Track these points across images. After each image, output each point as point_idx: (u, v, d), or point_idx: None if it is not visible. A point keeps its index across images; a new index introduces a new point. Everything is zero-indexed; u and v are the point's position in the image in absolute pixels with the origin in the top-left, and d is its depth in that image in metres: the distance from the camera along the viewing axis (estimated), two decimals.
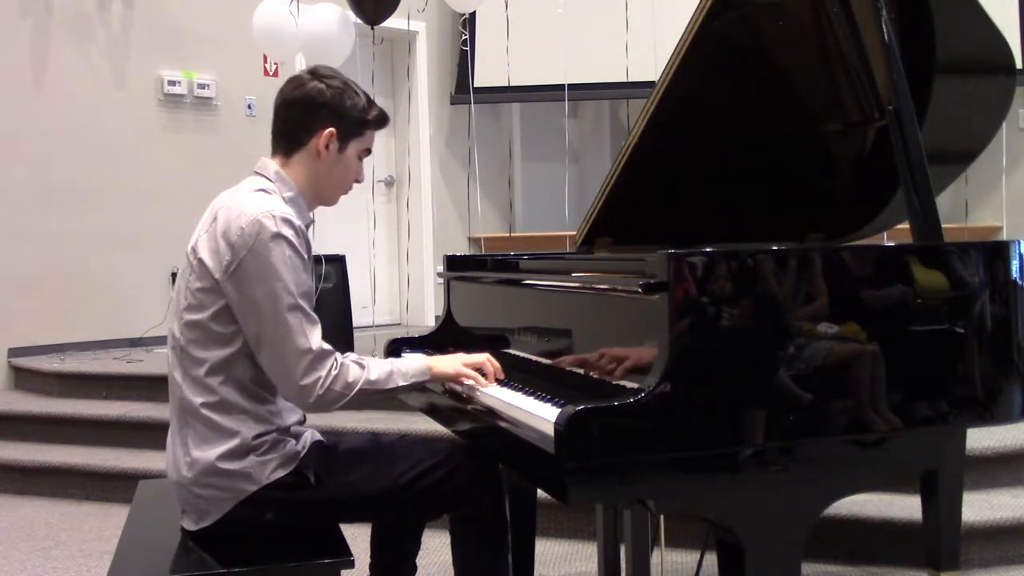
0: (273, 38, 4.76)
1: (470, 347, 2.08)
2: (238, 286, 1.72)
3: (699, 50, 2.00)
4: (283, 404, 1.85)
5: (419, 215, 6.48)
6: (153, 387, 4.29)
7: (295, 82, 1.88)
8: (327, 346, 1.74)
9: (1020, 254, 1.74)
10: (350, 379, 1.74)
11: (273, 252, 1.71)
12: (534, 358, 1.98)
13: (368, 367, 1.78)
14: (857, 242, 2.37)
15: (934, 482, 1.97)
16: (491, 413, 1.76)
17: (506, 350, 2.11)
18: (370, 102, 1.90)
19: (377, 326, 5.68)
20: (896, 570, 2.72)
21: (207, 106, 5.62)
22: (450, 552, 1.96)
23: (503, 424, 1.69)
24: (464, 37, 5.93)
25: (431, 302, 6.48)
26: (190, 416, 1.77)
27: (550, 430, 1.42)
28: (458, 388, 1.92)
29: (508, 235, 6.66)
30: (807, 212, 2.39)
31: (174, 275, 5.27)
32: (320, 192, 1.91)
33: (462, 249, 6.46)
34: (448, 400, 1.98)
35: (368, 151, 1.94)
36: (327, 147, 1.85)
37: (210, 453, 1.75)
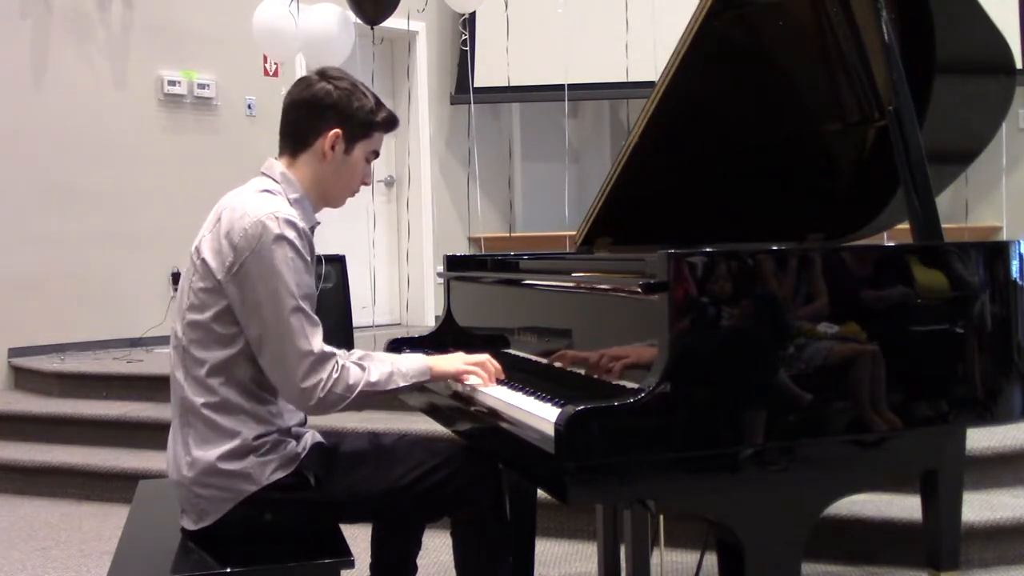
0: (273, 38, 4.76)
1: (470, 347, 2.08)
2: (240, 287, 1.72)
3: (699, 50, 2.00)
4: (284, 405, 1.84)
5: (419, 215, 6.48)
6: (153, 387, 4.29)
7: (303, 83, 1.88)
8: (329, 348, 1.74)
9: (1020, 254, 1.74)
10: (351, 381, 1.73)
11: (276, 254, 1.71)
12: (534, 358, 1.98)
13: (368, 369, 1.77)
14: (857, 242, 2.37)
15: (934, 482, 1.97)
16: (491, 413, 1.76)
17: (506, 350, 2.11)
18: (379, 104, 1.90)
19: (377, 326, 5.68)
20: (896, 570, 2.72)
21: (207, 106, 5.62)
22: (450, 552, 1.96)
23: (503, 424, 1.69)
24: (464, 37, 5.93)
25: (431, 302, 6.48)
26: (191, 416, 1.77)
27: (550, 430, 1.42)
28: (459, 388, 1.92)
29: (508, 235, 6.67)
30: (807, 212, 2.39)
31: (174, 275, 5.28)
32: (326, 193, 1.91)
33: (462, 249, 6.46)
34: (448, 400, 1.98)
35: (376, 153, 1.93)
36: (333, 148, 1.85)
37: (211, 453, 1.75)
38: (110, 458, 3.88)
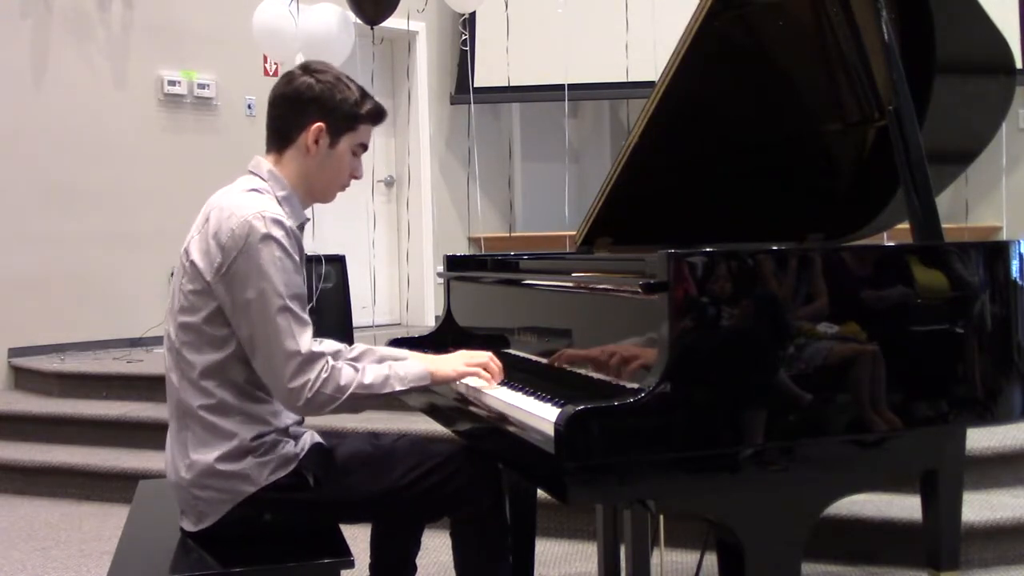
0: (273, 38, 4.76)
1: (470, 347, 2.08)
2: (229, 288, 1.71)
3: (699, 50, 2.00)
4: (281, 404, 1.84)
5: (419, 215, 6.48)
6: (153, 387, 4.29)
7: (286, 78, 1.86)
8: (318, 348, 1.72)
9: (1020, 254, 1.74)
10: (342, 382, 1.71)
11: (262, 253, 1.69)
12: (534, 358, 1.98)
13: (363, 370, 1.75)
14: (857, 242, 2.37)
15: (934, 482, 1.97)
16: (491, 413, 1.76)
17: (506, 350, 2.11)
18: (364, 96, 1.87)
19: (377, 326, 5.68)
20: (896, 570, 2.72)
21: (207, 106, 5.62)
22: (450, 552, 1.96)
23: (503, 424, 1.69)
24: (464, 37, 5.94)
25: (431, 302, 6.48)
26: (188, 418, 1.77)
27: (550, 430, 1.42)
28: (460, 388, 1.91)
29: (508, 235, 6.66)
30: (807, 212, 2.39)
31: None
32: (313, 189, 1.89)
33: (462, 249, 6.46)
34: (448, 400, 1.98)
35: (364, 147, 1.91)
36: (316, 142, 1.83)
37: (208, 455, 1.74)
38: (110, 458, 3.88)
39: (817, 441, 1.56)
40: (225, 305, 1.72)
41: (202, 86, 5.57)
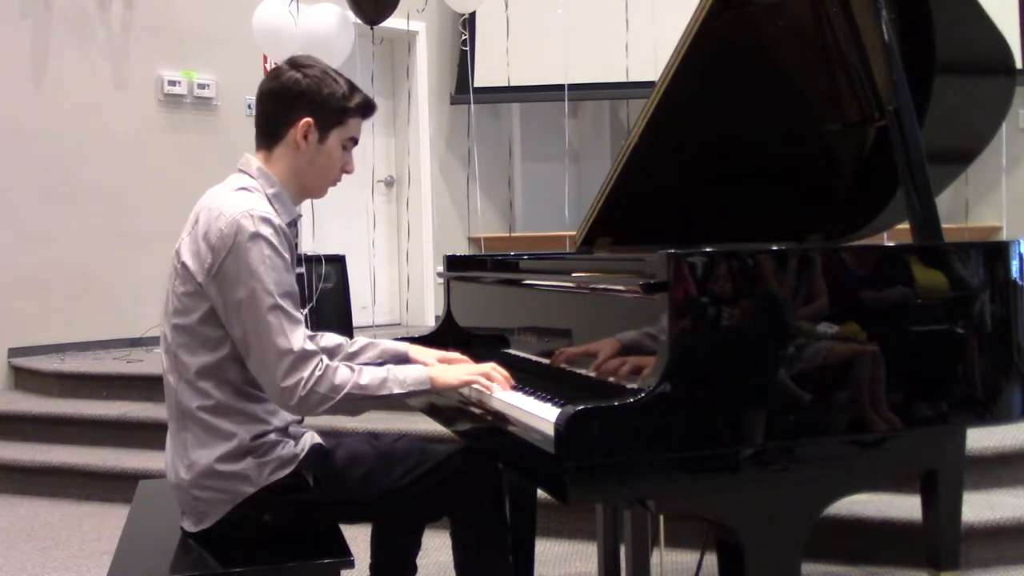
0: (273, 38, 4.76)
1: (470, 347, 2.08)
2: (220, 289, 1.70)
3: (699, 50, 2.00)
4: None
5: (419, 215, 6.48)
6: (153, 387, 4.28)
7: (273, 73, 1.85)
8: (311, 346, 1.71)
9: (1020, 254, 1.74)
10: (336, 382, 1.70)
11: (251, 253, 1.68)
12: (534, 358, 1.98)
13: (360, 371, 1.74)
14: (857, 242, 2.37)
15: (934, 482, 1.97)
16: (491, 413, 1.76)
17: (506, 350, 2.11)
18: (352, 89, 1.85)
19: (377, 326, 5.68)
20: (896, 570, 2.72)
21: (207, 106, 5.62)
22: (450, 552, 1.96)
23: (503, 424, 1.69)
24: (464, 37, 5.93)
25: (431, 302, 6.48)
26: (187, 419, 1.77)
27: (550, 430, 1.42)
28: (464, 392, 1.90)
29: (508, 235, 6.66)
30: (807, 212, 2.39)
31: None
32: (303, 184, 1.87)
33: (462, 249, 6.46)
34: (449, 400, 1.98)
35: (354, 140, 1.89)
36: (305, 137, 1.82)
37: (208, 455, 1.74)
38: (110, 458, 3.88)
39: (817, 441, 1.56)
40: (217, 306, 1.72)
41: (202, 86, 5.57)
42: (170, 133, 5.49)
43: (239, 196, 1.77)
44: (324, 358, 1.72)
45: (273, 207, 1.79)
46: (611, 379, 1.65)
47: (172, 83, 5.46)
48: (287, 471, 1.78)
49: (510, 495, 2.14)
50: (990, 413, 1.70)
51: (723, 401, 1.48)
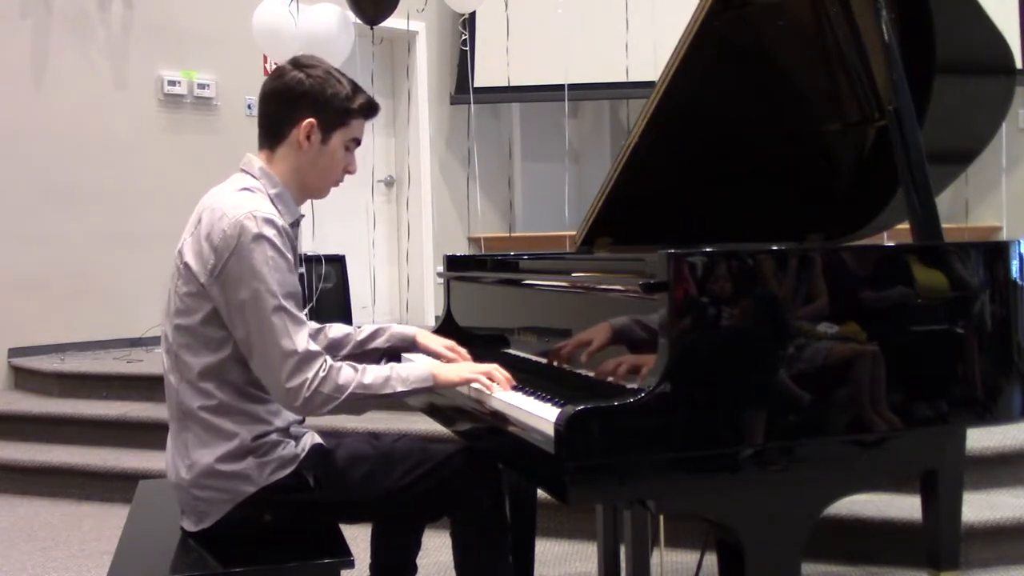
0: (273, 38, 4.76)
1: (470, 347, 2.08)
2: (223, 290, 1.70)
3: (699, 50, 2.00)
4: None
5: (419, 215, 6.48)
6: (153, 387, 4.28)
7: (276, 73, 1.85)
8: (315, 347, 1.71)
9: (1020, 254, 1.74)
10: (340, 382, 1.70)
11: (255, 253, 1.68)
12: (534, 358, 1.98)
13: (363, 370, 1.74)
14: (857, 242, 2.37)
15: (934, 482, 1.97)
16: (491, 413, 1.76)
17: (506, 350, 2.11)
18: (355, 90, 1.85)
19: None
20: (896, 570, 2.72)
21: (207, 106, 5.62)
22: (450, 552, 1.96)
23: (503, 424, 1.69)
24: (464, 37, 5.93)
25: (431, 302, 6.48)
26: (189, 419, 1.77)
27: (550, 430, 1.42)
28: (463, 390, 1.90)
29: (508, 235, 6.66)
30: (807, 212, 2.39)
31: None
32: (306, 185, 1.87)
33: (462, 249, 6.46)
34: (449, 400, 1.98)
35: (357, 141, 1.89)
36: (308, 138, 1.82)
37: (209, 455, 1.74)
38: (110, 458, 3.88)
39: (817, 441, 1.56)
40: (220, 307, 1.72)
41: (202, 86, 5.57)
42: (170, 133, 5.49)
43: (242, 197, 1.77)
44: (328, 358, 1.72)
45: (276, 207, 1.79)
46: (611, 379, 1.65)
47: (172, 83, 5.46)
48: (288, 471, 1.78)
49: (510, 495, 2.14)
50: (990, 413, 1.70)
51: (723, 401, 1.48)
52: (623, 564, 2.17)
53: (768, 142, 2.28)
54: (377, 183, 6.24)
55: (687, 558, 2.75)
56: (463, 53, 6.07)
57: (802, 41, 2.20)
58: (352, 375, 1.73)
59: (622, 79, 5.91)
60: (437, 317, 2.56)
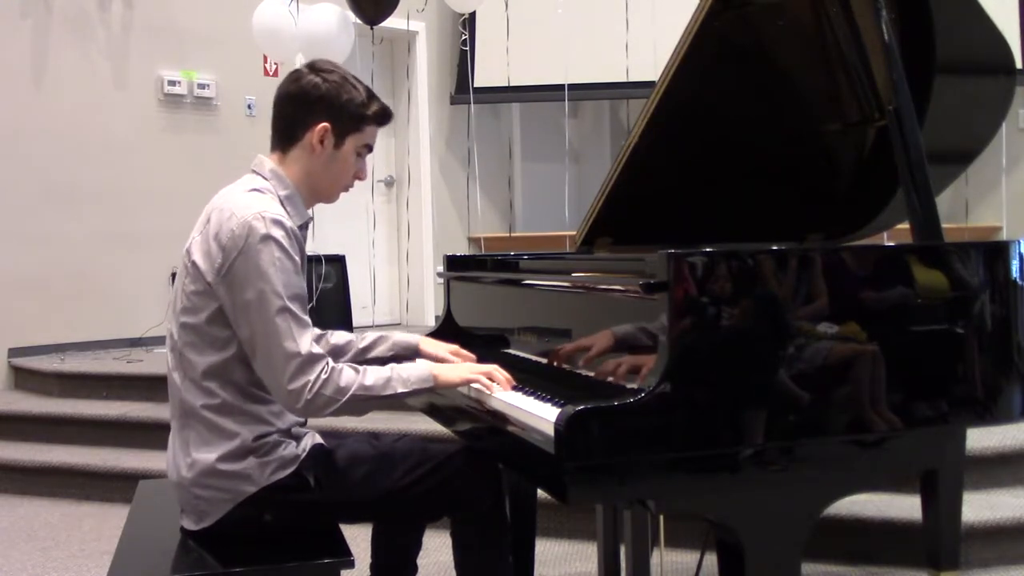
0: (273, 38, 4.77)
1: (470, 347, 2.08)
2: (230, 289, 1.71)
3: (699, 50, 2.00)
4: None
5: (419, 215, 6.48)
6: (153, 387, 4.29)
7: (292, 76, 1.86)
8: (318, 350, 1.71)
9: (1020, 254, 1.74)
10: (342, 384, 1.70)
11: (262, 254, 1.69)
12: (534, 358, 1.98)
13: (364, 372, 1.75)
14: (857, 242, 2.37)
15: (934, 482, 1.97)
16: (491, 413, 1.76)
17: (506, 350, 2.11)
18: (370, 97, 1.86)
19: (377, 326, 5.68)
20: (896, 570, 2.72)
21: (207, 106, 5.62)
22: (450, 552, 1.96)
23: (503, 424, 1.69)
24: (464, 37, 5.94)
25: (431, 302, 6.48)
26: (191, 418, 1.77)
27: (550, 430, 1.42)
28: (464, 391, 1.90)
29: (508, 235, 6.67)
30: (807, 212, 2.39)
31: (174, 275, 5.27)
32: (317, 188, 1.88)
33: (462, 249, 6.46)
34: (449, 400, 1.98)
35: (369, 148, 1.90)
36: (322, 142, 1.83)
37: (210, 454, 1.74)
38: (110, 458, 3.88)
39: (817, 441, 1.56)
40: (226, 306, 1.72)
41: (202, 86, 5.57)
42: (170, 133, 5.49)
43: (251, 197, 1.77)
44: (330, 360, 1.72)
45: (285, 209, 1.79)
46: (611, 379, 1.65)
47: (172, 83, 5.46)
48: (288, 471, 1.78)
49: (510, 495, 2.14)
50: (990, 413, 1.70)
51: (723, 401, 1.48)
52: (623, 564, 2.17)
53: (768, 142, 2.28)
54: (377, 183, 6.24)
55: (687, 558, 2.75)
56: (463, 53, 6.07)
57: (802, 41, 2.20)
58: (353, 377, 1.73)
59: (622, 79, 5.91)
60: (437, 317, 2.56)
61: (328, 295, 5.05)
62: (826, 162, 2.40)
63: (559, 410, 1.45)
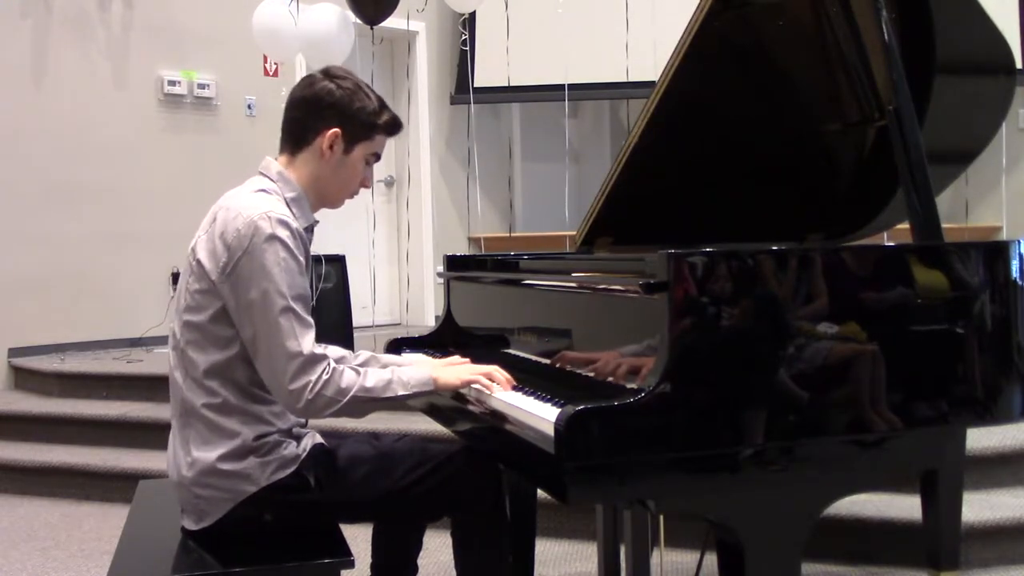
0: (273, 38, 4.76)
1: (470, 347, 2.08)
2: (234, 288, 1.71)
3: (699, 50, 2.00)
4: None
5: (419, 215, 6.48)
6: (153, 387, 4.29)
7: (306, 81, 1.87)
8: (320, 351, 1.72)
9: (1020, 254, 1.74)
10: (343, 385, 1.71)
11: (267, 254, 1.69)
12: (534, 358, 1.98)
13: (365, 374, 1.75)
14: (857, 242, 2.37)
15: (934, 482, 1.97)
16: (492, 413, 1.76)
17: (506, 350, 2.11)
18: (382, 106, 1.88)
19: (377, 326, 5.68)
20: (896, 570, 2.72)
21: (207, 106, 5.62)
22: (450, 552, 1.96)
23: (503, 424, 1.69)
24: (464, 37, 5.93)
25: (431, 302, 6.48)
26: (191, 417, 1.77)
27: (550, 430, 1.42)
28: (464, 391, 1.90)
29: (508, 235, 6.66)
30: (807, 212, 2.39)
31: (174, 275, 5.28)
32: (323, 193, 1.90)
33: (462, 249, 6.46)
34: (448, 400, 1.98)
35: (377, 156, 1.91)
36: (331, 148, 1.84)
37: (211, 454, 1.74)
38: (110, 458, 3.88)
39: (817, 441, 1.56)
40: (229, 305, 1.73)
41: (202, 86, 5.57)
42: (170, 133, 5.49)
43: (258, 198, 1.78)
44: (331, 361, 1.73)
45: (291, 211, 1.80)
46: (611, 379, 1.65)
47: (172, 83, 5.46)
48: (289, 471, 1.78)
49: (510, 495, 2.14)
50: (990, 413, 1.70)
51: (723, 401, 1.48)
52: (623, 564, 2.17)
53: (768, 142, 2.28)
54: (377, 183, 6.24)
55: (687, 558, 2.75)
56: (463, 53, 6.07)
57: (802, 41, 2.20)
58: (354, 378, 1.73)
59: (622, 79, 5.91)
60: (437, 317, 2.57)
61: (328, 295, 5.04)
62: (826, 162, 2.40)
63: (559, 410, 1.45)
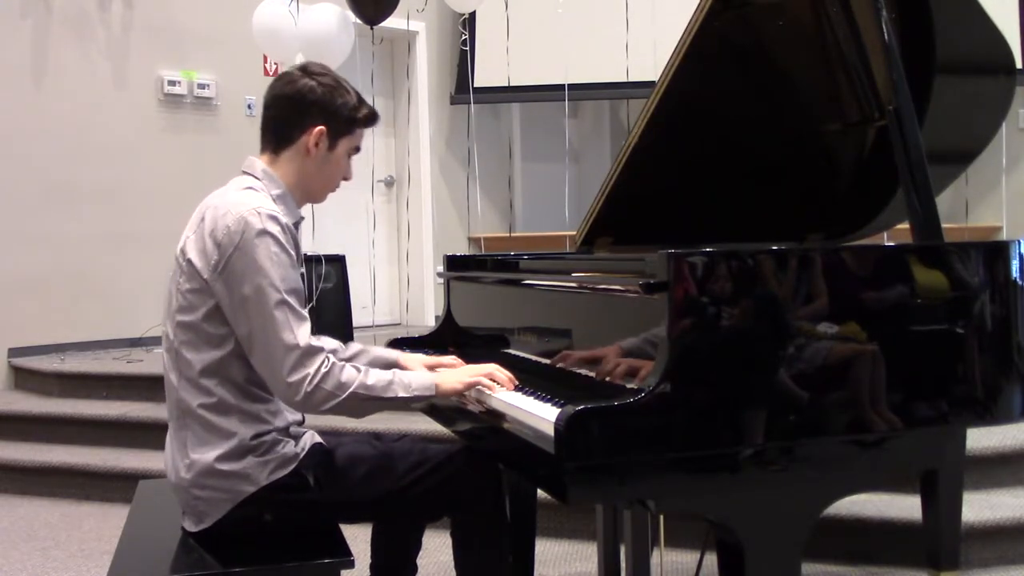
0: (273, 38, 4.76)
1: (470, 347, 2.08)
2: (227, 285, 1.71)
3: (699, 50, 2.00)
4: (281, 403, 1.83)
5: (419, 215, 6.48)
6: (153, 387, 4.28)
7: (285, 78, 1.87)
8: (317, 343, 1.72)
9: (1020, 254, 1.74)
10: (343, 379, 1.71)
11: (258, 249, 1.70)
12: (534, 358, 1.98)
13: (366, 371, 1.75)
14: (857, 242, 2.37)
15: (934, 482, 1.97)
16: (492, 413, 1.76)
17: (506, 350, 2.11)
18: (360, 101, 1.89)
19: (377, 326, 5.68)
20: (896, 570, 2.72)
21: (207, 106, 5.62)
22: (450, 552, 1.96)
23: (503, 424, 1.69)
24: (464, 37, 5.93)
25: (431, 302, 6.48)
26: (188, 418, 1.77)
27: (550, 430, 1.42)
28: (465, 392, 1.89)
29: (508, 235, 6.67)
30: (807, 212, 2.39)
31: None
32: (308, 189, 1.90)
33: (462, 249, 6.46)
34: (449, 400, 1.98)
35: (357, 149, 1.92)
36: (317, 145, 1.84)
37: (208, 455, 1.74)
38: (110, 458, 3.88)
39: (817, 441, 1.56)
40: (223, 302, 1.73)
41: (202, 86, 5.57)
42: (170, 133, 5.49)
43: (245, 195, 1.78)
44: (330, 355, 1.73)
45: (278, 207, 1.80)
46: (611, 379, 1.65)
47: (172, 83, 5.46)
48: (288, 470, 1.78)
49: (510, 495, 2.14)
50: (990, 413, 1.70)
51: (723, 401, 1.48)
52: (623, 564, 2.17)
53: (768, 142, 2.28)
54: (377, 183, 6.24)
55: (687, 558, 2.75)
56: (463, 53, 6.07)
57: (802, 41, 2.20)
58: (355, 375, 1.73)
59: (622, 79, 5.91)
60: (437, 317, 2.57)
61: (328, 295, 5.04)
62: (826, 162, 2.40)
63: (559, 410, 1.45)
